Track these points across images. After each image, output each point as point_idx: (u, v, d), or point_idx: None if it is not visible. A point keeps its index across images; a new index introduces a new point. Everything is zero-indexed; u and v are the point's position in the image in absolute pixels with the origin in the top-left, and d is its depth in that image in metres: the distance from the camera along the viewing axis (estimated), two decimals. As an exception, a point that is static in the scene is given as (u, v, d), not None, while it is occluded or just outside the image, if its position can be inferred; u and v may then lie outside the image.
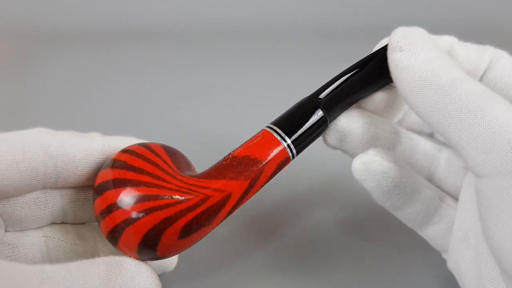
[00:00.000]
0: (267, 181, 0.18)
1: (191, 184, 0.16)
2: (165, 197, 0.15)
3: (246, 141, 0.18)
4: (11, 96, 0.43)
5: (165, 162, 0.17)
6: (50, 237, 0.18)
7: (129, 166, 0.16)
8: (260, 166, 0.17)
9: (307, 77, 0.47)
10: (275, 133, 0.18)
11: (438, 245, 0.19)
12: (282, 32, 0.58)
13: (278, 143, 0.17)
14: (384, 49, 0.17)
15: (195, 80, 0.45)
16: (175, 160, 0.17)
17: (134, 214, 0.15)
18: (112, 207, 0.15)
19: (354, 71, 0.19)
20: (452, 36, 0.18)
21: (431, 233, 0.19)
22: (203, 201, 0.16)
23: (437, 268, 0.22)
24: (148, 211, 0.15)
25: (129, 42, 0.56)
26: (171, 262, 0.20)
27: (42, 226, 0.18)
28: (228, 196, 0.16)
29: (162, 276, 0.19)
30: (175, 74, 0.47)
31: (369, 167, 0.17)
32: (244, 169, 0.17)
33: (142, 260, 0.16)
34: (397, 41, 0.16)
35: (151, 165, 0.16)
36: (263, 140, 0.18)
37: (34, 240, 0.17)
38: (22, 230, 0.17)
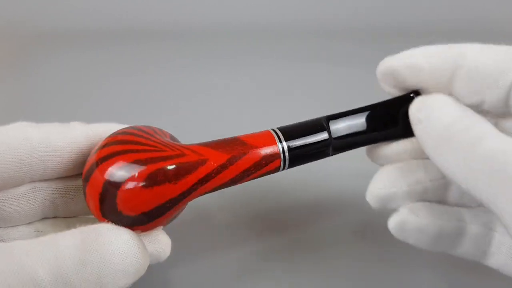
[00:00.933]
0: (249, 169, 0.17)
1: (172, 145, 0.16)
2: (143, 144, 0.16)
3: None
4: (11, 96, 0.43)
5: (149, 134, 0.17)
6: (42, 231, 0.18)
7: (114, 141, 0.16)
8: (245, 148, 0.17)
9: (307, 77, 0.47)
10: (274, 133, 0.18)
11: (509, 272, 0.18)
12: (282, 32, 0.58)
13: (273, 141, 0.18)
14: (405, 109, 0.17)
15: (195, 80, 0.45)
16: (160, 133, 0.18)
17: (116, 169, 0.15)
18: (91, 170, 0.15)
19: (373, 124, 0.19)
20: (469, 43, 0.17)
21: (494, 264, 0.18)
22: (177, 156, 0.16)
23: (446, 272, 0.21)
24: (126, 152, 0.15)
25: (129, 42, 0.56)
26: (164, 251, 0.19)
27: (33, 222, 0.18)
28: (203, 161, 0.16)
29: (158, 268, 0.19)
30: (175, 74, 0.47)
31: (404, 226, 0.17)
32: (229, 145, 0.17)
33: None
34: (415, 115, 0.16)
35: (136, 137, 0.16)
36: (261, 134, 0.18)
37: (26, 235, 0.17)
38: (13, 226, 0.17)
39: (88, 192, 0.16)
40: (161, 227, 0.18)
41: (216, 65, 0.49)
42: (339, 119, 0.19)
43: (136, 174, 0.15)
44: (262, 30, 0.59)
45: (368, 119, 0.19)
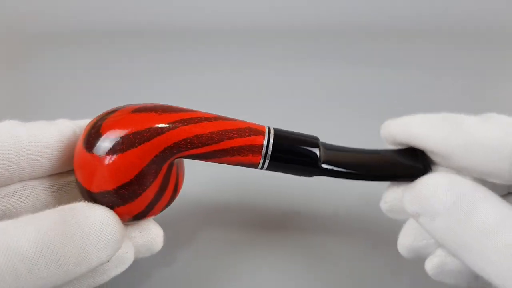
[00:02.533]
0: (228, 150, 0.17)
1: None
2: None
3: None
4: (10, 96, 0.43)
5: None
6: None
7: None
8: (233, 131, 0.17)
9: (307, 77, 0.46)
10: (267, 130, 0.18)
11: None
12: (282, 32, 0.58)
13: (262, 136, 0.18)
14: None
15: (195, 80, 0.45)
16: None
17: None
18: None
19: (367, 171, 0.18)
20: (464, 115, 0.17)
21: None
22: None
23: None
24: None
25: (129, 42, 0.55)
26: (156, 241, 0.19)
27: None
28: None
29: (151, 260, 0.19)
30: (175, 74, 0.47)
31: (443, 268, 0.17)
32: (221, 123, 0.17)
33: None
34: (411, 209, 0.16)
35: None
36: (256, 126, 0.18)
37: None
38: None
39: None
40: (153, 216, 0.18)
41: (216, 65, 0.49)
42: (335, 152, 0.19)
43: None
44: (262, 30, 0.59)
45: (364, 162, 0.19)
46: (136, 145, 0.16)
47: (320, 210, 0.26)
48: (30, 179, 0.17)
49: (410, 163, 0.18)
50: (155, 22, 0.60)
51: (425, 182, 0.16)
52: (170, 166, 0.18)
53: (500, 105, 0.41)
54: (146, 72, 0.48)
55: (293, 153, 0.18)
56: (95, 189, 0.16)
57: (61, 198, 0.18)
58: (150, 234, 0.18)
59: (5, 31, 0.58)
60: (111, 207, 0.16)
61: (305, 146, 0.18)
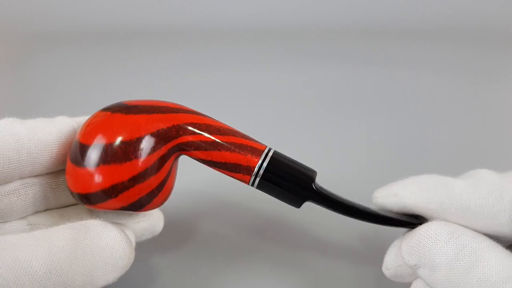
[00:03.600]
0: (218, 163, 0.17)
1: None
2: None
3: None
4: (10, 95, 0.43)
5: None
6: (35, 224, 0.18)
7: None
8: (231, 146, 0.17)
9: (307, 77, 0.46)
10: (265, 154, 0.18)
11: None
12: (282, 32, 0.58)
13: (257, 158, 0.17)
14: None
15: (195, 80, 0.45)
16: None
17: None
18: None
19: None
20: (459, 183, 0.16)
21: None
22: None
23: None
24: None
25: (129, 42, 0.55)
26: (158, 224, 0.20)
27: (26, 216, 0.18)
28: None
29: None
30: (175, 74, 0.47)
31: None
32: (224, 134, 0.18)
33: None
34: (410, 262, 0.16)
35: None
36: (255, 146, 0.18)
37: (19, 229, 0.17)
38: (5, 222, 0.17)
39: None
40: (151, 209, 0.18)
41: (216, 65, 0.49)
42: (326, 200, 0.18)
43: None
44: (263, 30, 0.59)
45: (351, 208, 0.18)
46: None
47: (319, 209, 0.26)
48: (30, 176, 0.17)
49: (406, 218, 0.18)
50: (155, 22, 0.60)
51: (425, 232, 0.15)
52: (173, 163, 0.18)
53: (500, 105, 0.41)
54: (146, 72, 0.48)
55: (277, 194, 0.18)
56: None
57: (59, 194, 0.18)
58: (153, 217, 0.19)
59: (5, 31, 0.58)
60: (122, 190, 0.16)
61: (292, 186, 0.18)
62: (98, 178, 0.16)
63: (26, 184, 0.17)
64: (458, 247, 0.15)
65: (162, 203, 0.18)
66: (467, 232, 0.15)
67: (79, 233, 0.14)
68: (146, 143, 0.16)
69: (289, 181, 0.18)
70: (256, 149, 0.18)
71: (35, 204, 0.18)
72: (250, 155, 0.17)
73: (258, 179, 0.17)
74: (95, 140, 0.16)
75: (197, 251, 0.23)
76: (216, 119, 0.19)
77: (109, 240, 0.15)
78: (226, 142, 0.17)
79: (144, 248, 0.23)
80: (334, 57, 0.52)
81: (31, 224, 0.18)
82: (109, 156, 0.16)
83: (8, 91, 0.44)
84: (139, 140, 0.16)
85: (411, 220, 0.17)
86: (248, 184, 0.18)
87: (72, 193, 0.17)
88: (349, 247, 0.23)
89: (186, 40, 0.57)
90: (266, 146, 0.18)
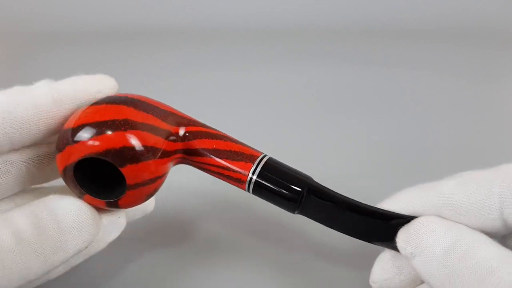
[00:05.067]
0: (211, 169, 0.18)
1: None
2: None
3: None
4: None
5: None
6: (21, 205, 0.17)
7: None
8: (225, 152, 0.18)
9: (307, 77, 0.46)
10: (258, 161, 0.18)
11: None
12: (282, 32, 0.58)
13: (249, 167, 0.18)
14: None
15: (195, 80, 0.45)
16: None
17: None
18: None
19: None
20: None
21: None
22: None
23: None
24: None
25: (129, 42, 0.55)
26: (151, 204, 0.21)
27: (11, 196, 0.18)
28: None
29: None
30: (175, 74, 0.47)
31: None
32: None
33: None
34: (406, 249, 0.16)
35: None
36: (250, 153, 0.18)
37: (6, 211, 0.17)
38: None
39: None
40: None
41: (216, 65, 0.49)
42: (320, 199, 0.18)
43: None
44: (263, 30, 0.59)
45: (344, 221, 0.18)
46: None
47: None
48: (9, 153, 0.17)
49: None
50: (155, 22, 0.60)
51: (423, 221, 0.16)
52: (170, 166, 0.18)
53: (500, 105, 0.41)
54: (146, 72, 0.47)
55: (271, 200, 0.18)
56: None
57: (43, 168, 0.18)
58: None
59: (5, 31, 0.58)
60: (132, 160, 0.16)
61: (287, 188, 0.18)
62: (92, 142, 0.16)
63: (7, 162, 0.17)
64: (455, 237, 0.15)
65: (139, 203, 0.18)
66: (463, 227, 0.15)
67: (38, 207, 0.15)
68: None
69: (281, 187, 0.18)
70: (251, 156, 0.18)
71: (20, 180, 0.17)
72: (244, 162, 0.18)
73: (252, 185, 0.18)
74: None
75: (196, 251, 0.23)
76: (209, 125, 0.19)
77: (67, 206, 0.16)
78: (224, 149, 0.18)
79: (144, 248, 0.23)
80: (334, 57, 0.52)
81: (19, 206, 0.17)
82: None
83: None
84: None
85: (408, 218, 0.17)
86: (245, 190, 0.18)
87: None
88: (347, 249, 0.23)
89: (186, 40, 0.57)
90: (261, 153, 0.18)
